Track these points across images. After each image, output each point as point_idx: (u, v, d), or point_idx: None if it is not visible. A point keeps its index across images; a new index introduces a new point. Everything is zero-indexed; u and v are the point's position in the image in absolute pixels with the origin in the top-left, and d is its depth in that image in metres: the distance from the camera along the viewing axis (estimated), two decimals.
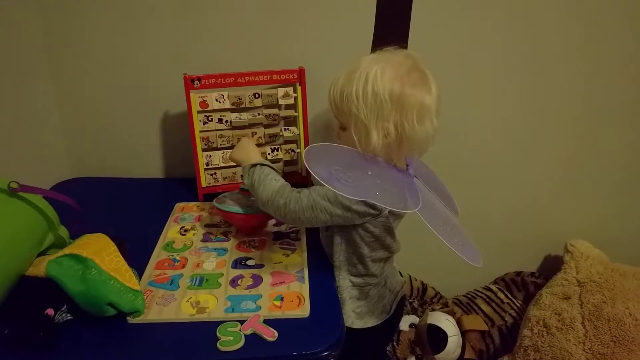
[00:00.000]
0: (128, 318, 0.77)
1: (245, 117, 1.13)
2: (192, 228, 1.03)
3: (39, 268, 0.75)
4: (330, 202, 0.83)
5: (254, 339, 0.74)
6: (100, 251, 0.77)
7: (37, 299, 0.74)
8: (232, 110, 1.13)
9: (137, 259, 0.87)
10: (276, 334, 0.75)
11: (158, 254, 0.95)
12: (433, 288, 1.52)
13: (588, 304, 1.27)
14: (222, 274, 0.89)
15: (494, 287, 1.50)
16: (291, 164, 1.21)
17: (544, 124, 1.32)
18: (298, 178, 1.19)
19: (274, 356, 0.73)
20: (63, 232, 0.86)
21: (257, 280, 0.87)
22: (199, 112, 1.10)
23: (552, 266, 1.49)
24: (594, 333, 1.23)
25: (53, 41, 1.14)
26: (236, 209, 0.96)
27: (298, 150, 1.19)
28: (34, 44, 1.13)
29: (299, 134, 1.17)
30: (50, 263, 0.74)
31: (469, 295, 1.50)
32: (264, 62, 1.14)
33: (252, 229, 1.02)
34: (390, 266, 1.01)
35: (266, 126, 1.18)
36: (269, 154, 1.17)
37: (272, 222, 1.05)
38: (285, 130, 1.17)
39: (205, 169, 1.14)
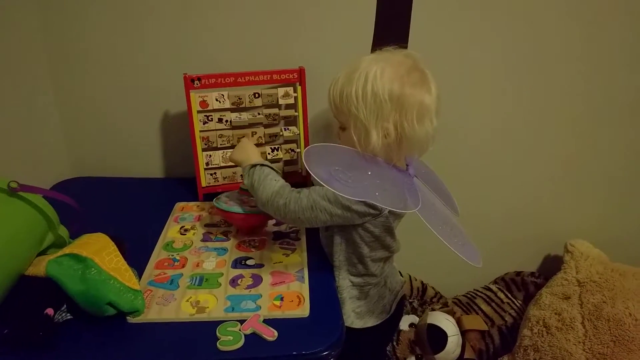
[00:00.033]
0: (128, 318, 0.77)
1: (245, 116, 1.13)
2: (192, 228, 1.03)
3: (39, 268, 0.75)
4: (330, 202, 0.83)
5: (253, 339, 0.74)
6: (100, 251, 0.77)
7: (37, 299, 0.74)
8: (232, 110, 1.13)
9: (137, 259, 0.87)
10: (276, 333, 0.75)
11: (158, 253, 0.95)
12: (433, 288, 1.52)
13: (588, 303, 1.27)
14: (222, 274, 0.89)
15: (493, 287, 1.50)
16: (291, 163, 1.21)
17: (544, 124, 1.33)
18: (298, 178, 1.19)
19: (273, 356, 0.73)
20: (63, 231, 0.86)
21: (257, 280, 0.87)
22: (199, 111, 1.10)
23: (552, 266, 1.49)
24: (593, 333, 1.22)
25: (53, 41, 1.14)
26: (236, 208, 0.96)
27: (298, 150, 1.19)
28: (34, 44, 1.13)
29: (299, 134, 1.17)
30: (50, 263, 0.74)
31: (468, 295, 1.50)
32: (264, 62, 1.14)
33: (252, 229, 1.02)
34: (390, 266, 1.01)
35: (266, 126, 1.18)
36: (269, 153, 1.17)
37: (272, 222, 1.05)
38: (285, 130, 1.17)
39: (205, 169, 1.14)
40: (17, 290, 0.75)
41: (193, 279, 0.87)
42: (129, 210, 1.11)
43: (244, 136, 1.13)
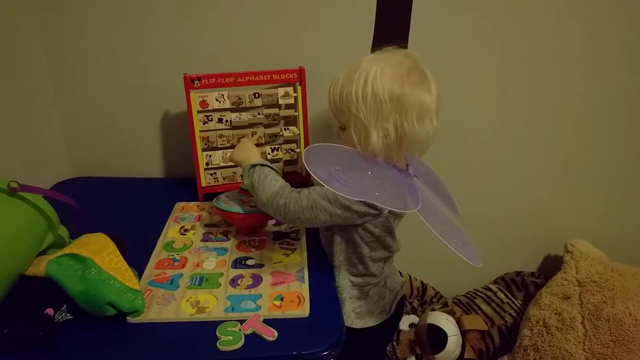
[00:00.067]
0: (128, 318, 0.77)
1: (245, 116, 1.13)
2: (192, 228, 1.03)
3: (39, 268, 0.75)
4: (330, 202, 0.83)
5: (253, 339, 0.74)
6: (100, 251, 0.77)
7: (37, 299, 0.74)
8: (232, 110, 1.13)
9: (137, 259, 0.87)
10: (276, 333, 0.75)
11: (158, 253, 0.95)
12: (433, 288, 1.52)
13: (588, 303, 1.27)
14: (222, 274, 0.89)
15: (493, 287, 1.50)
16: (291, 163, 1.21)
17: (544, 124, 1.33)
18: (298, 178, 1.19)
19: (273, 356, 0.73)
20: (63, 231, 0.86)
21: (257, 280, 0.87)
22: (199, 111, 1.10)
23: (552, 266, 1.49)
24: (593, 333, 1.22)
25: (53, 41, 1.14)
26: (236, 208, 0.96)
27: (298, 150, 1.19)
28: (34, 44, 1.13)
29: (299, 134, 1.17)
30: (50, 263, 0.74)
31: (468, 295, 1.50)
32: (264, 62, 1.14)
33: (251, 229, 1.02)
34: (390, 266, 1.01)
35: (266, 126, 1.18)
36: (269, 153, 1.17)
37: (272, 222, 1.05)
38: (285, 130, 1.17)
39: (205, 169, 1.14)
40: (17, 290, 0.75)
41: (193, 279, 0.87)
42: (129, 210, 1.11)
43: (244, 136, 1.13)
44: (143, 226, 1.02)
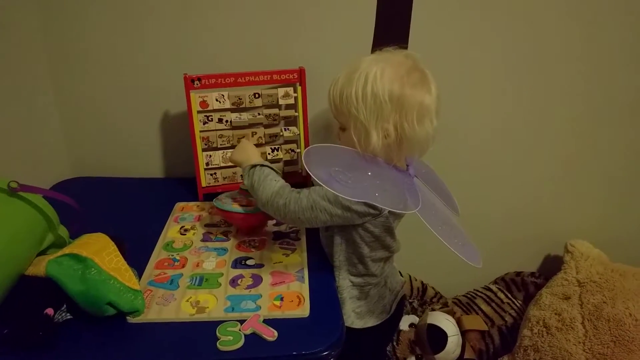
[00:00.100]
0: (128, 318, 0.77)
1: (245, 117, 1.13)
2: (192, 228, 1.03)
3: (39, 267, 0.75)
4: (330, 202, 0.83)
5: (253, 339, 0.74)
6: (100, 251, 0.77)
7: (37, 299, 0.74)
8: (232, 110, 1.13)
9: (137, 259, 0.87)
10: (276, 333, 0.75)
11: (158, 253, 0.95)
12: (433, 288, 1.52)
13: (588, 304, 1.27)
14: (222, 274, 0.89)
15: (494, 287, 1.50)
16: (291, 164, 1.21)
17: (544, 124, 1.33)
18: (298, 178, 1.19)
19: (273, 356, 0.73)
20: (63, 231, 0.86)
21: (257, 280, 0.87)
22: (199, 112, 1.10)
23: (552, 266, 1.49)
24: (594, 333, 1.22)
25: (53, 41, 1.14)
26: (236, 208, 0.96)
27: (298, 150, 1.19)
28: (34, 44, 1.13)
29: (299, 134, 1.17)
30: (50, 263, 0.74)
31: (468, 295, 1.50)
32: (264, 62, 1.14)
33: (251, 229, 1.02)
34: (390, 266, 1.01)
35: (266, 126, 1.18)
36: (269, 154, 1.17)
37: (272, 222, 1.05)
38: (285, 130, 1.17)
39: (205, 169, 1.14)
40: (17, 290, 0.75)
41: (193, 279, 0.87)
42: (129, 211, 1.11)
43: (244, 136, 1.13)
44: (143, 226, 1.02)
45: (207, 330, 0.75)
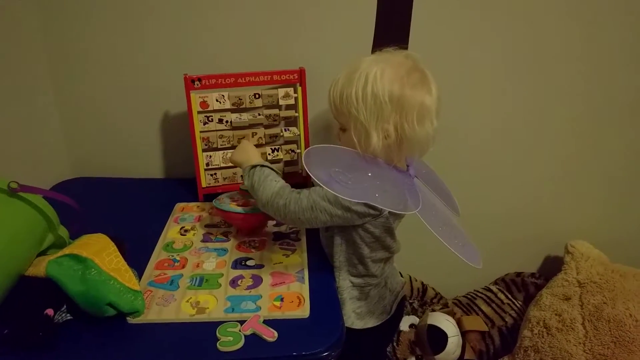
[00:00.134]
0: (128, 318, 0.77)
1: (245, 117, 1.13)
2: (192, 228, 1.03)
3: (39, 268, 0.75)
4: (330, 202, 0.83)
5: (253, 340, 0.74)
6: (100, 251, 0.77)
7: (37, 299, 0.74)
8: (232, 111, 1.13)
9: (137, 259, 0.87)
10: (276, 334, 0.75)
11: (158, 254, 0.95)
12: (433, 288, 1.52)
13: (588, 304, 1.27)
14: (222, 275, 0.88)
15: (494, 288, 1.50)
16: (291, 164, 1.20)
17: (544, 124, 1.32)
18: (298, 178, 1.19)
19: (273, 356, 0.73)
20: (63, 232, 0.86)
21: (257, 281, 0.87)
22: (199, 112, 1.10)
23: (552, 267, 1.49)
24: (594, 334, 1.22)
25: (53, 41, 1.14)
26: (236, 208, 0.96)
27: (298, 151, 1.19)
28: (34, 44, 1.13)
29: (299, 135, 1.17)
30: (50, 263, 0.74)
31: (469, 296, 1.50)
32: (264, 62, 1.14)
33: (252, 229, 1.02)
34: (390, 267, 1.01)
35: (266, 126, 1.18)
36: (269, 154, 1.17)
37: (272, 222, 1.05)
38: (285, 130, 1.17)
39: (205, 169, 1.14)
40: (17, 291, 0.75)
41: (193, 279, 0.87)
42: (129, 211, 1.11)
43: (244, 137, 1.13)
44: (143, 227, 1.02)
45: (207, 330, 0.75)
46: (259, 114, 1.15)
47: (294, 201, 0.84)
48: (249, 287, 0.85)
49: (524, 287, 1.48)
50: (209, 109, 1.10)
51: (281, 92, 1.14)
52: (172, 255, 0.94)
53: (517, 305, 1.45)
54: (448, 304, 1.48)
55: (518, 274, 1.51)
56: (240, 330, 0.75)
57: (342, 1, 1.14)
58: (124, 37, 1.15)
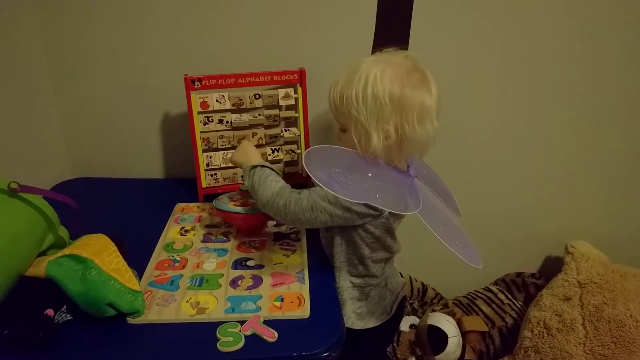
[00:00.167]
0: (128, 319, 0.77)
1: (245, 117, 1.13)
2: (193, 229, 1.03)
3: (39, 268, 0.75)
4: (330, 203, 0.83)
5: (254, 340, 0.74)
6: (100, 251, 0.77)
7: (37, 300, 0.74)
8: (232, 111, 1.13)
9: (137, 260, 0.87)
10: (276, 334, 0.75)
11: (158, 254, 0.95)
12: (433, 289, 1.52)
13: (589, 305, 1.27)
14: (222, 275, 0.88)
15: (494, 288, 1.50)
16: (291, 164, 1.20)
17: (544, 124, 1.32)
18: (298, 179, 1.19)
19: (274, 357, 0.73)
20: (63, 232, 0.86)
21: (257, 281, 0.87)
22: (199, 112, 1.10)
23: (552, 267, 1.49)
24: (594, 334, 1.22)
25: (53, 41, 1.14)
26: (236, 208, 0.96)
27: (298, 151, 1.19)
28: (34, 44, 1.13)
29: (300, 135, 1.17)
30: (50, 263, 0.74)
31: (469, 296, 1.50)
32: (264, 62, 1.14)
33: (252, 229, 1.02)
34: (390, 267, 1.01)
35: (267, 127, 1.18)
36: (269, 154, 1.17)
37: (272, 222, 1.05)
38: (285, 131, 1.17)
39: (205, 170, 1.14)
40: (17, 291, 0.75)
41: (193, 279, 0.87)
42: (129, 211, 1.11)
43: (244, 137, 1.13)
44: (143, 227, 1.02)
45: (207, 331, 0.75)
46: (259, 115, 1.15)
47: (294, 201, 0.84)
48: (249, 288, 0.85)
49: (524, 287, 1.48)
50: (209, 109, 1.10)
51: (281, 92, 1.14)
52: (172, 256, 0.94)
53: (518, 305, 1.45)
54: (448, 304, 1.48)
55: (518, 274, 1.51)
56: (240, 331, 0.75)
57: (342, 1, 1.14)
58: (124, 37, 1.14)
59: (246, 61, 1.15)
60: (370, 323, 0.97)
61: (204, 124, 1.11)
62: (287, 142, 1.19)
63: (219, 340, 0.73)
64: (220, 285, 0.85)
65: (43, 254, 0.82)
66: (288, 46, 1.17)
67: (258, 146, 1.14)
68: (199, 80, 1.07)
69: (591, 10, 1.19)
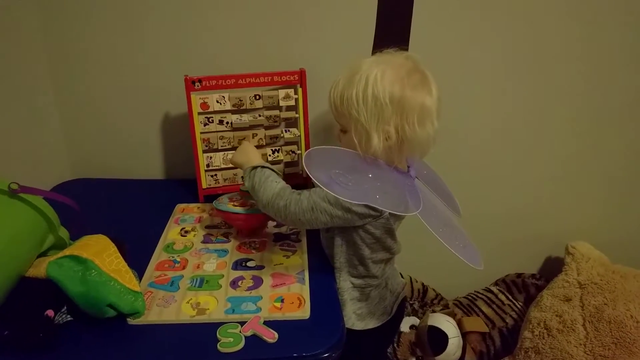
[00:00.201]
0: (128, 319, 0.77)
1: (246, 118, 1.13)
2: (193, 229, 1.03)
3: (39, 269, 0.75)
4: (330, 203, 0.83)
5: (254, 341, 0.74)
6: (101, 252, 0.77)
7: (37, 300, 0.74)
8: (232, 112, 1.13)
9: (138, 260, 0.87)
10: (276, 335, 0.75)
11: (158, 255, 0.94)
12: (434, 289, 1.52)
13: (589, 305, 1.27)
14: (223, 276, 0.88)
15: (494, 289, 1.50)
16: (292, 165, 1.20)
17: (544, 124, 1.32)
18: (299, 179, 1.19)
19: (274, 358, 0.73)
20: (63, 233, 0.86)
21: (258, 282, 0.87)
22: (199, 113, 1.10)
23: (552, 268, 1.49)
24: (595, 335, 1.22)
25: (53, 41, 1.14)
26: (236, 209, 0.96)
27: (299, 152, 1.19)
28: (34, 44, 1.13)
29: (300, 136, 1.17)
30: (50, 264, 0.74)
31: (469, 297, 1.50)
32: (264, 62, 1.14)
33: (252, 230, 1.02)
34: (391, 267, 1.01)
35: (267, 128, 1.17)
36: (269, 155, 1.17)
37: (272, 223, 1.05)
38: (286, 131, 1.17)
39: (205, 170, 1.13)
40: (17, 292, 0.75)
41: (193, 280, 0.87)
42: (130, 212, 1.10)
43: (244, 138, 1.13)
44: (143, 228, 1.02)
45: (207, 332, 0.75)
46: (260, 115, 1.14)
47: (295, 202, 0.84)
48: (249, 288, 0.85)
49: (525, 288, 1.48)
50: (209, 110, 1.10)
51: (282, 93, 1.14)
52: (173, 257, 0.94)
53: (518, 306, 1.45)
54: (449, 305, 1.48)
55: (519, 275, 1.51)
56: (240, 332, 0.75)
57: (342, 1, 1.14)
58: (124, 37, 1.14)
59: (246, 61, 1.14)
60: (371, 324, 0.97)
61: (204, 125, 1.11)
62: (287, 143, 1.19)
63: (219, 341, 0.73)
64: (221, 286, 0.85)
65: (43, 254, 0.82)
66: (288, 46, 1.17)
67: (258, 147, 1.13)
68: (199, 81, 1.07)
69: (591, 10, 1.19)
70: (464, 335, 1.37)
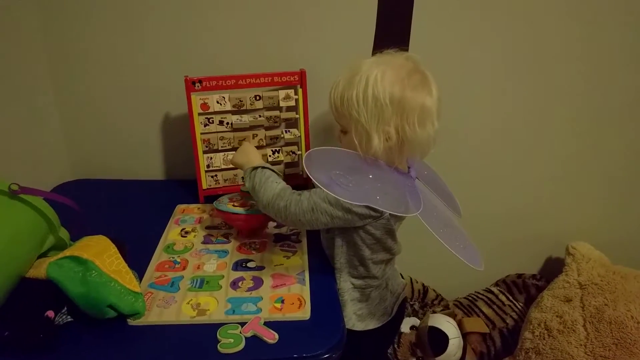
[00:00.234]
0: (128, 320, 0.77)
1: (246, 119, 1.13)
2: (193, 230, 1.03)
3: (40, 270, 0.75)
4: (330, 204, 0.83)
5: (254, 341, 0.74)
6: (101, 253, 0.77)
7: (38, 301, 0.74)
8: (233, 112, 1.13)
9: (138, 261, 0.87)
10: (277, 336, 0.75)
11: (159, 255, 0.94)
12: (434, 290, 1.52)
13: (590, 306, 1.27)
14: (223, 276, 0.88)
15: (495, 289, 1.50)
16: (292, 166, 1.20)
17: (544, 124, 1.32)
18: (299, 180, 1.19)
19: (274, 358, 0.73)
20: (63, 234, 0.86)
21: (258, 283, 0.87)
22: (200, 114, 1.10)
23: (553, 268, 1.49)
24: (595, 336, 1.22)
25: (53, 41, 1.14)
26: (237, 209, 0.96)
27: (299, 153, 1.19)
28: (34, 44, 1.13)
29: (300, 136, 1.17)
30: (50, 265, 0.74)
31: (470, 298, 1.50)
32: (264, 63, 1.14)
33: (252, 230, 1.01)
34: (391, 268, 1.01)
35: (267, 128, 1.17)
36: (269, 156, 1.16)
37: (272, 224, 1.05)
38: (286, 132, 1.17)
39: (206, 171, 1.13)
40: (17, 293, 0.75)
41: (194, 281, 0.87)
42: (130, 213, 1.10)
43: (245, 139, 1.13)
44: (144, 228, 1.02)
45: (207, 332, 0.75)
46: (260, 116, 1.14)
47: (295, 203, 0.84)
48: (249, 289, 0.85)
49: (525, 288, 1.48)
50: (209, 110, 1.10)
51: (282, 93, 1.14)
52: (173, 257, 0.94)
53: (518, 306, 1.45)
54: (449, 305, 1.48)
55: (519, 276, 1.51)
56: (241, 332, 0.75)
57: (342, 1, 1.14)
58: (124, 37, 1.14)
59: (246, 61, 1.14)
60: (371, 324, 0.97)
61: (205, 125, 1.11)
62: (287, 144, 1.19)
63: (219, 342, 0.73)
64: (221, 287, 0.85)
65: (43, 255, 0.82)
66: (288, 47, 1.17)
67: (258, 147, 1.13)
68: (200, 81, 1.07)
69: (591, 10, 1.19)
70: (465, 335, 1.37)
